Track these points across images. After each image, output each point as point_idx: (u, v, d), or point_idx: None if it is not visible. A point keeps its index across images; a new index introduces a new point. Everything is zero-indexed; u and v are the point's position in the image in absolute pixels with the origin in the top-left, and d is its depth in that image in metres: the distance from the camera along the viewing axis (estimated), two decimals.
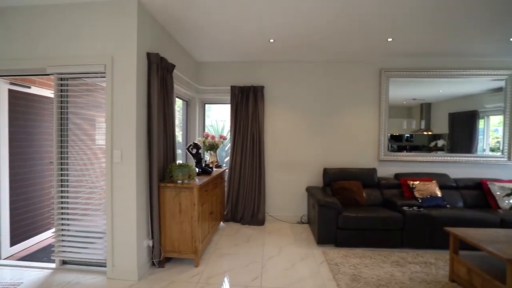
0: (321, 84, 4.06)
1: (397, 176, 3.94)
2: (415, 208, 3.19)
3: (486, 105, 3.99)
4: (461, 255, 2.35)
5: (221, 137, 3.80)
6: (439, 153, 4.02)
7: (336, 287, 2.30)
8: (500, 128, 3.98)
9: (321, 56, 3.84)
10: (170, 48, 3.06)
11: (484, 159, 3.96)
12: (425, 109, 4.10)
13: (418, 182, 3.61)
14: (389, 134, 4.07)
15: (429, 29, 2.89)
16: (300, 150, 4.11)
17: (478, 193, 3.64)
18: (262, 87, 3.98)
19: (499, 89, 3.96)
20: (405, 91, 4.04)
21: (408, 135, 4.10)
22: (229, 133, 4.10)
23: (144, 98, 2.50)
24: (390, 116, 4.05)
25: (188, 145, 3.28)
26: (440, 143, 4.08)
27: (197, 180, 2.80)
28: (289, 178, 4.12)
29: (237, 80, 4.10)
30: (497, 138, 4.00)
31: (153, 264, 2.62)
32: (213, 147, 3.73)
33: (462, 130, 4.04)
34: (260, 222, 3.92)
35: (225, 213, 4.03)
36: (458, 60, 3.92)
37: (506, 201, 3.41)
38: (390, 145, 4.07)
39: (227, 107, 4.35)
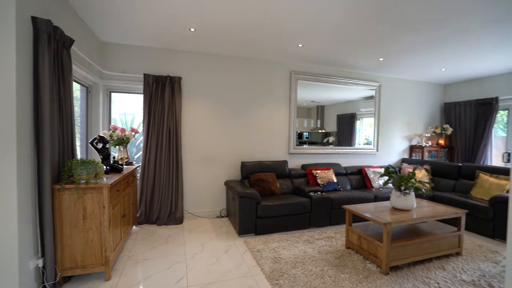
0: (240, 79, 4.19)
1: (303, 166, 4.52)
2: (319, 193, 3.76)
3: (361, 109, 5.08)
4: (354, 226, 2.93)
5: (132, 130, 3.36)
6: (330, 146, 4.87)
7: (261, 272, 2.46)
8: (369, 128, 5.16)
9: (241, 52, 3.96)
10: (65, 18, 2.47)
11: (363, 150, 5.05)
12: (320, 110, 4.87)
13: (319, 171, 4.25)
14: (298, 131, 4.62)
15: (329, 40, 3.43)
16: (218, 144, 4.11)
17: (360, 177, 4.62)
18: (179, 78, 3.75)
19: (371, 97, 5.13)
20: (307, 93, 4.65)
21: (307, 133, 4.75)
22: (142, 127, 3.69)
23: (30, 76, 1.93)
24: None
25: (93, 138, 2.75)
26: (331, 139, 4.93)
27: (105, 179, 2.39)
28: (207, 173, 4.07)
29: (151, 68, 3.72)
30: (365, 135, 5.16)
31: None
32: (123, 141, 3.25)
33: (345, 129, 5.01)
34: (179, 220, 3.71)
35: (138, 215, 3.61)
36: (347, 70, 4.82)
37: (376, 182, 4.47)
38: (297, 140, 4.64)
39: (137, 98, 3.91)
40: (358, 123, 5.07)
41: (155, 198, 3.67)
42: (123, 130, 3.23)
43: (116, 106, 4.50)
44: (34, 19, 1.95)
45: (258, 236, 3.31)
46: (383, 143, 5.19)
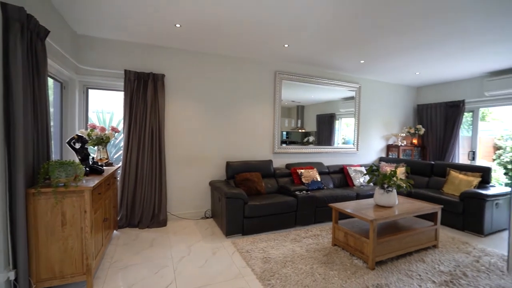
0: (225, 78, 4.12)
1: (288, 166, 4.56)
2: (304, 192, 3.81)
3: (340, 109, 5.23)
4: (340, 223, 3.01)
5: (113, 129, 3.18)
6: (312, 146, 4.95)
7: (252, 272, 2.44)
8: (346, 128, 5.34)
9: (227, 51, 3.90)
10: (38, 7, 2.26)
11: (344, 150, 5.21)
12: (300, 110, 4.95)
13: (304, 170, 4.32)
14: (282, 131, 4.65)
15: (315, 42, 3.48)
16: (203, 144, 4.02)
17: (342, 176, 4.76)
18: (162, 76, 3.60)
19: (350, 98, 5.29)
20: (289, 93, 4.66)
21: (285, 132, 4.79)
22: (123, 126, 3.50)
23: None
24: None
25: (70, 138, 2.55)
26: (311, 139, 5.03)
27: (85, 181, 2.24)
28: (192, 173, 3.97)
29: (133, 64, 3.53)
30: (343, 135, 5.33)
31: None
32: (102, 141, 3.06)
33: (325, 128, 5.14)
34: (162, 223, 3.58)
35: (118, 218, 3.43)
36: (329, 71, 4.94)
37: (358, 180, 4.63)
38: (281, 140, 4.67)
39: (115, 95, 3.70)
40: (337, 123, 5.21)
41: (137, 201, 3.50)
42: (103, 129, 3.04)
43: (91, 103, 4.23)
44: (4, 6, 1.76)
45: (245, 237, 3.29)
46: (362, 142, 5.40)
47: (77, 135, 2.61)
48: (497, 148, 6.77)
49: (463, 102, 5.03)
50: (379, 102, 5.55)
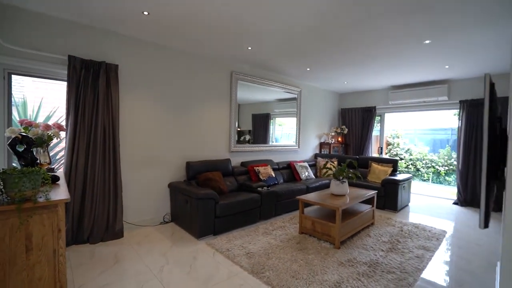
0: (185, 75, 3.92)
1: (243, 164, 4.71)
2: (265, 188, 4.07)
3: (275, 110, 5.62)
4: (305, 212, 3.40)
5: (58, 127, 2.58)
6: (262, 144, 5.22)
7: (242, 269, 2.51)
8: (278, 127, 5.95)
9: (190, 46, 3.72)
10: None
11: (288, 147, 5.74)
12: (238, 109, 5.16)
13: (261, 167, 4.57)
14: (238, 129, 4.75)
15: (277, 47, 3.74)
16: (160, 144, 3.73)
17: (289, 171, 5.25)
18: (116, 66, 3.15)
19: (285, 99, 5.71)
20: (238, 93, 4.73)
21: None
22: (66, 123, 2.89)
23: None
24: None
25: (12, 139, 1.97)
26: (247, 137, 5.32)
27: (51, 193, 1.81)
28: (149, 175, 3.63)
29: (79, 50, 2.95)
30: (276, 135, 5.87)
31: None
32: (44, 141, 2.47)
33: (260, 127, 5.51)
34: (119, 234, 3.16)
35: None
36: (277, 75, 5.34)
37: (303, 174, 5.22)
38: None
39: (49, 85, 3.05)
40: (271, 123, 5.56)
41: (87, 211, 2.96)
42: (46, 127, 2.45)
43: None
44: None
45: (217, 236, 3.28)
46: (302, 140, 6.07)
47: (20, 134, 2.04)
48: (388, 144, 8.79)
49: (375, 108, 6.34)
50: (314, 105, 6.35)
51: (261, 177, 4.45)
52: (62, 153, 3.70)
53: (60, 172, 2.76)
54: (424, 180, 8.30)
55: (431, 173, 8.43)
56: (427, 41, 3.35)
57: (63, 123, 2.84)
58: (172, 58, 3.77)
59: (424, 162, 8.50)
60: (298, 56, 4.11)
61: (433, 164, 8.33)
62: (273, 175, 4.63)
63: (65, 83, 2.84)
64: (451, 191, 6.72)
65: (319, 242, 3.11)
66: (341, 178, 3.49)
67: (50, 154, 2.67)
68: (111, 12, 2.69)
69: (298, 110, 5.92)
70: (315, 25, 2.94)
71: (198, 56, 4.06)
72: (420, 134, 9.16)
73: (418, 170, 8.47)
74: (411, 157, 8.62)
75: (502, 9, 2.47)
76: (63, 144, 3.69)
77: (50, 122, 3.20)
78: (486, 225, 1.41)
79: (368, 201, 3.80)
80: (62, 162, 3.60)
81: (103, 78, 3.02)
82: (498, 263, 2.56)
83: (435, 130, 8.80)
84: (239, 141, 4.87)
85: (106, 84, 3.06)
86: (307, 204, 3.68)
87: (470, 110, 4.95)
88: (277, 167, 5.11)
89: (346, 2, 2.44)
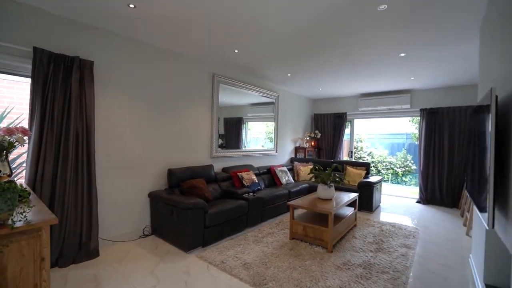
0: (166, 77, 3.65)
1: (224, 169, 4.56)
2: (251, 194, 3.98)
3: (248, 114, 5.51)
4: (295, 218, 3.40)
5: (22, 131, 2.17)
6: (242, 149, 5.11)
7: (242, 282, 2.39)
8: (248, 132, 5.97)
9: (173, 45, 3.47)
10: None
11: (266, 152, 5.73)
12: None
13: (244, 173, 4.47)
14: (220, 133, 4.59)
15: (263, 51, 3.71)
16: (139, 150, 3.40)
17: (269, 176, 5.24)
18: (91, 63, 2.79)
19: (258, 104, 5.68)
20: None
21: None
22: (29, 126, 2.45)
23: None
24: None
25: None
26: (220, 141, 5.20)
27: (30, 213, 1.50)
28: (126, 185, 3.28)
29: (48, 42, 2.53)
30: (249, 139, 5.88)
31: None
32: (3, 148, 2.05)
33: (233, 132, 5.39)
34: (94, 253, 2.77)
35: None
36: (257, 80, 5.31)
37: (283, 179, 5.25)
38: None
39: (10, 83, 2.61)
40: (243, 127, 5.47)
41: (55, 229, 2.54)
42: (8, 131, 2.04)
43: None
44: None
45: (207, 248, 3.09)
46: (280, 145, 6.12)
47: None
48: (354, 147, 9.35)
49: (345, 114, 6.69)
50: (290, 110, 6.47)
51: (244, 183, 4.35)
52: (20, 160, 3.15)
53: (20, 183, 2.33)
54: (385, 181, 9.02)
55: (390, 174, 9.22)
56: (403, 54, 3.64)
57: (21, 125, 2.42)
58: (154, 57, 3.48)
59: (384, 164, 9.26)
60: (282, 62, 4.13)
61: (392, 166, 9.13)
62: (256, 180, 4.56)
63: (29, 80, 2.42)
64: (410, 191, 7.42)
65: (311, 247, 3.12)
66: (328, 182, 3.57)
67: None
68: (92, 1, 2.38)
69: (275, 115, 5.96)
70: (304, 32, 2.98)
71: (182, 56, 3.83)
72: (380, 139, 9.97)
73: (379, 171, 9.19)
74: (373, 159, 9.32)
75: (475, 25, 2.73)
76: (21, 150, 3.15)
77: (2, 125, 2.72)
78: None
79: (351, 203, 3.95)
80: (19, 171, 3.07)
81: (76, 75, 2.65)
82: (471, 256, 2.86)
83: (393, 134, 9.67)
84: (220, 146, 4.70)
85: (79, 83, 2.69)
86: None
87: (429, 117, 5.52)
88: (258, 172, 5.06)
89: (336, 13, 2.52)
